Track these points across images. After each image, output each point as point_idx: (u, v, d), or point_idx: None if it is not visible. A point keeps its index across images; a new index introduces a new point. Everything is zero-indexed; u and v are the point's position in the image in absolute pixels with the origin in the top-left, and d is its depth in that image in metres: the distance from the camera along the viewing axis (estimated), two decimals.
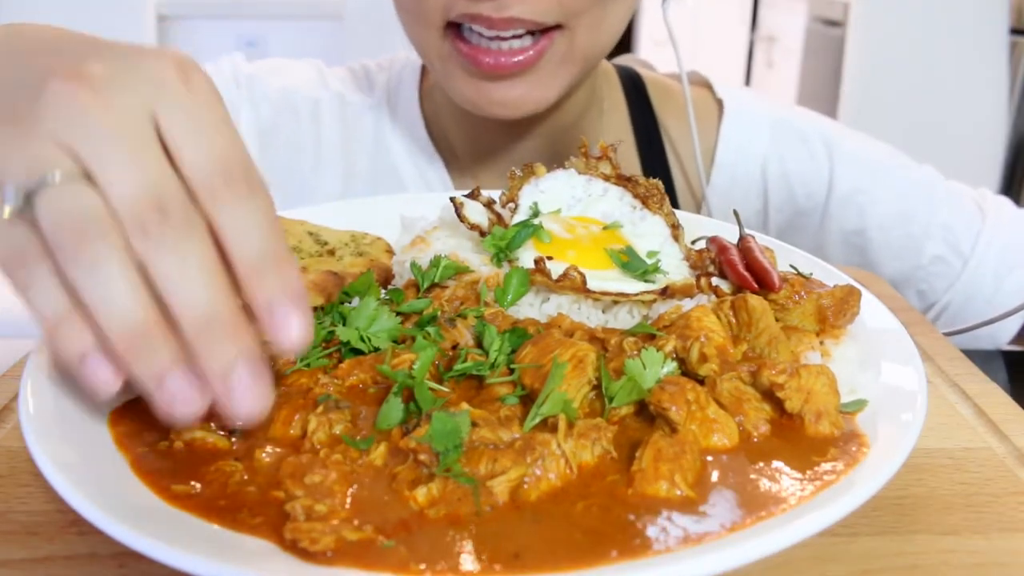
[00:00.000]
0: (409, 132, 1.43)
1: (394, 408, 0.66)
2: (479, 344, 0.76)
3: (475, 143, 1.40)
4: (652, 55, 2.14)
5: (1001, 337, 1.38)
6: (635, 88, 1.48)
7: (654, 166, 1.44)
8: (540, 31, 1.09)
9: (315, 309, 0.79)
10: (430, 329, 0.77)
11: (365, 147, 1.44)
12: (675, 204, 1.45)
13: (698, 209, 1.46)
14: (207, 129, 0.58)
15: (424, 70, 1.45)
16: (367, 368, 0.73)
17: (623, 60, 1.65)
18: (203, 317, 0.54)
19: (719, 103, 1.46)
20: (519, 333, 0.75)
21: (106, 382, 0.55)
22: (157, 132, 0.57)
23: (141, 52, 0.60)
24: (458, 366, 0.72)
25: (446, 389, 0.70)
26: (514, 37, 1.08)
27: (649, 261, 0.88)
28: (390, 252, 0.99)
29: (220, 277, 0.55)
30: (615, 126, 1.46)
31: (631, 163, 1.45)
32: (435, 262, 0.85)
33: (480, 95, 1.16)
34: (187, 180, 0.56)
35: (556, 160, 1.01)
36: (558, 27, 1.11)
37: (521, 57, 1.10)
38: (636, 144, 1.45)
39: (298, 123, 1.42)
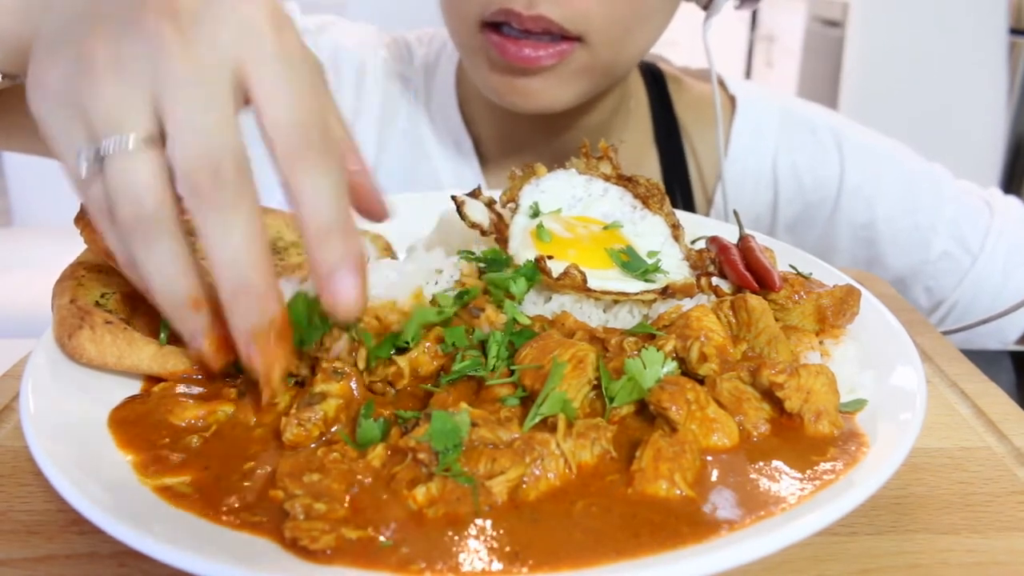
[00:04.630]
0: (442, 111, 1.45)
1: (368, 429, 0.65)
2: (482, 345, 0.76)
3: (502, 135, 1.43)
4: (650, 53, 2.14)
5: (1009, 335, 1.38)
6: (656, 83, 1.51)
7: (672, 160, 1.46)
8: (563, 37, 1.14)
9: None
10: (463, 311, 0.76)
11: (399, 119, 1.46)
12: (689, 197, 1.46)
13: (711, 203, 1.47)
14: (293, 88, 0.60)
15: None
16: None
17: None
18: (237, 283, 0.59)
19: (732, 99, 1.47)
20: (526, 335, 0.75)
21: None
22: (241, 83, 0.59)
23: None
24: (456, 366, 0.72)
25: (441, 391, 0.70)
26: (544, 32, 1.13)
27: (649, 261, 0.88)
28: (388, 250, 0.98)
29: (260, 249, 0.59)
30: (639, 123, 1.48)
31: (650, 158, 1.46)
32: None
33: (502, 84, 1.21)
34: (267, 138, 0.59)
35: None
36: (580, 40, 1.15)
37: (542, 52, 1.15)
38: (655, 139, 1.47)
39: (340, 84, 1.44)
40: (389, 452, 0.63)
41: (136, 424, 0.68)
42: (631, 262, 0.87)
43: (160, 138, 0.58)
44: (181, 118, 0.57)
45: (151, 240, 0.58)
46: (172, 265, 0.59)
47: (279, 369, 0.64)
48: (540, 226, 0.89)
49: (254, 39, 0.59)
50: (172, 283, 0.60)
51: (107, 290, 0.79)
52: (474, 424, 0.63)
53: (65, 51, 0.59)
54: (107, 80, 0.57)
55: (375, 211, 0.70)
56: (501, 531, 0.56)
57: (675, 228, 0.95)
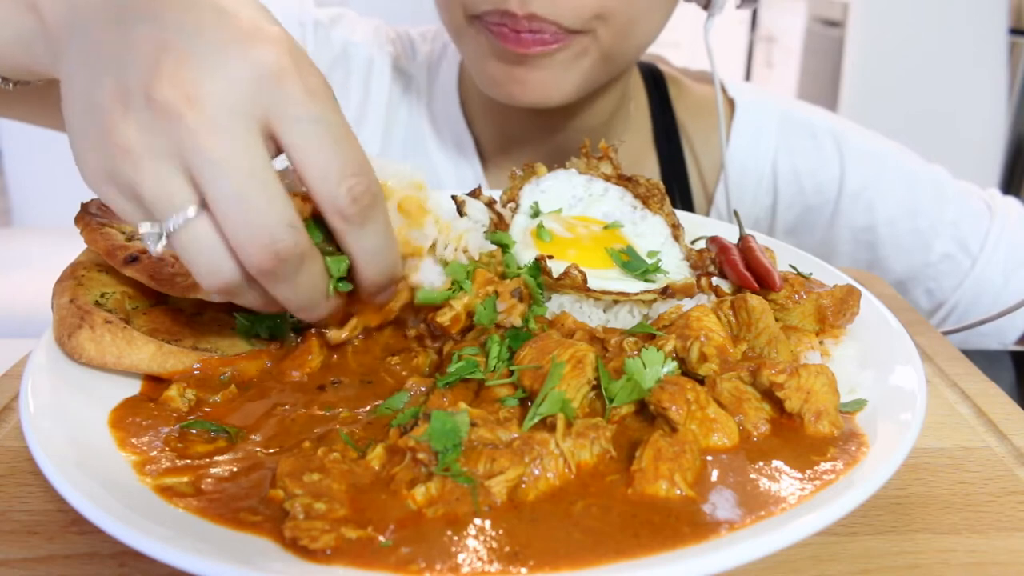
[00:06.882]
0: (444, 109, 1.45)
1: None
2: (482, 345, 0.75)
3: (503, 135, 1.43)
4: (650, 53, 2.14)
5: (1008, 336, 1.38)
6: (656, 85, 1.50)
7: (671, 163, 1.46)
8: (562, 31, 1.12)
9: None
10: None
11: (401, 116, 1.46)
12: (689, 200, 1.46)
13: (711, 205, 1.47)
14: (330, 142, 0.60)
15: None
16: None
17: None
18: (313, 316, 0.68)
19: (731, 101, 1.47)
20: (525, 336, 0.75)
21: None
22: (269, 132, 0.59)
23: (250, 38, 0.58)
24: (452, 367, 0.72)
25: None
26: (539, 32, 1.11)
27: (649, 261, 0.88)
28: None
29: (325, 294, 0.67)
30: (639, 126, 1.48)
31: (649, 161, 1.46)
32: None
33: (500, 72, 1.19)
34: (313, 195, 0.61)
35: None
36: (581, 32, 1.13)
37: (542, 39, 1.13)
38: (655, 141, 1.47)
39: (349, 79, 1.45)
40: (388, 452, 0.63)
41: (136, 423, 0.68)
42: (631, 262, 0.87)
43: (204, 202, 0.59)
44: (221, 199, 0.58)
45: (241, 296, 0.65)
46: (261, 303, 0.66)
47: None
48: (540, 226, 0.89)
49: (275, 88, 0.58)
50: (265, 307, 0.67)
51: (107, 290, 0.79)
52: (473, 424, 0.63)
53: (95, 135, 0.59)
54: (143, 165, 0.57)
55: None
56: (500, 531, 0.56)
57: (675, 228, 0.95)
